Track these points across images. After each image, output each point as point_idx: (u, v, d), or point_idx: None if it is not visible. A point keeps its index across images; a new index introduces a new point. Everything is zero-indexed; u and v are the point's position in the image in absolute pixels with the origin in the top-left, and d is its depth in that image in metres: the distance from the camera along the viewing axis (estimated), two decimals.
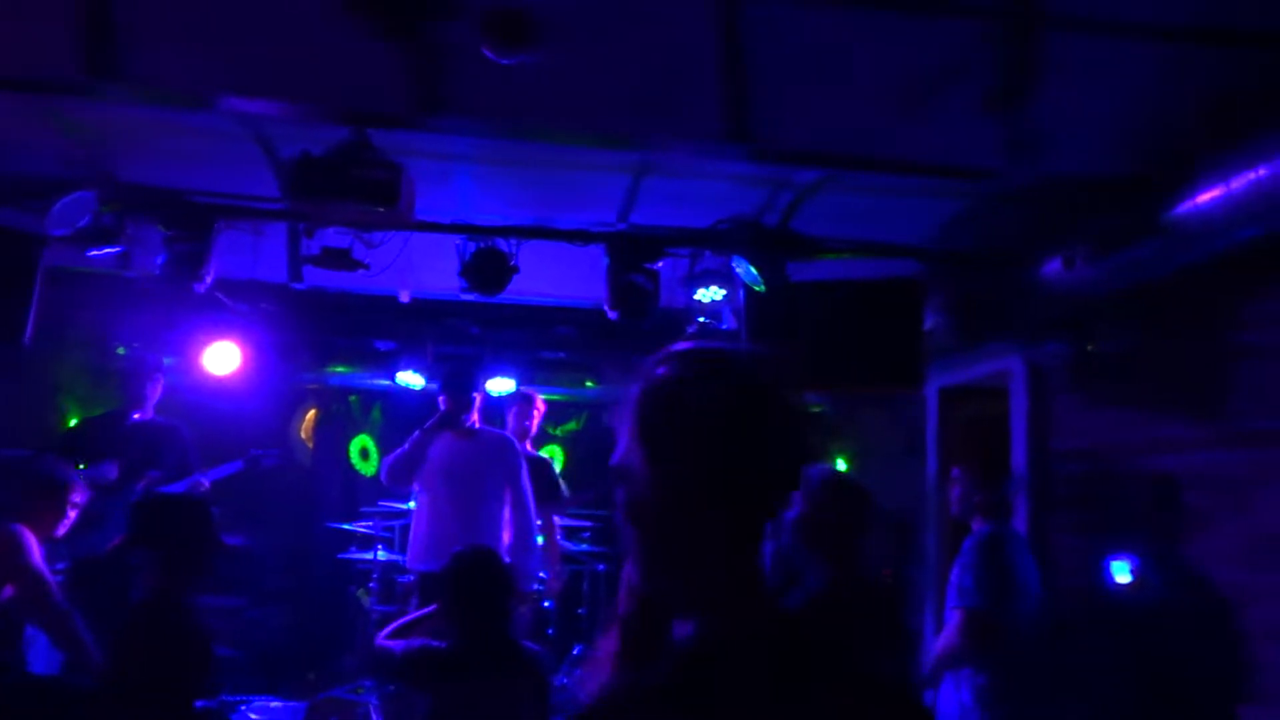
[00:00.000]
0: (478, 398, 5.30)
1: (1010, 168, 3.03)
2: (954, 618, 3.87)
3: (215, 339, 5.87)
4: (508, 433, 5.61)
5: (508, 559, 4.99)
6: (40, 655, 4.30)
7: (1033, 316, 4.29)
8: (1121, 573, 4.11)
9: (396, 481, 5.24)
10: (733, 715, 1.08)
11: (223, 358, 5.91)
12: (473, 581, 3.01)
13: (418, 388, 6.60)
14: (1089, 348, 4.13)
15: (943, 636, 3.94)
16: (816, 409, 6.98)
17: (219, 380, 5.95)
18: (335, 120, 3.25)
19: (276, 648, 6.58)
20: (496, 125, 3.04)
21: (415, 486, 5.25)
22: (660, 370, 1.17)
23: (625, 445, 1.17)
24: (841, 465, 6.97)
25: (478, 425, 5.30)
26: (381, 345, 6.76)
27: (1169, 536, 3.75)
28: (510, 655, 2.92)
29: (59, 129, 3.65)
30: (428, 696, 3.05)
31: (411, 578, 5.32)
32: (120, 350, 6.14)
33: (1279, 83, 2.77)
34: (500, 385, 6.66)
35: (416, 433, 5.15)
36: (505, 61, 2.44)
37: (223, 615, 6.22)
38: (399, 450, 5.17)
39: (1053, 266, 3.84)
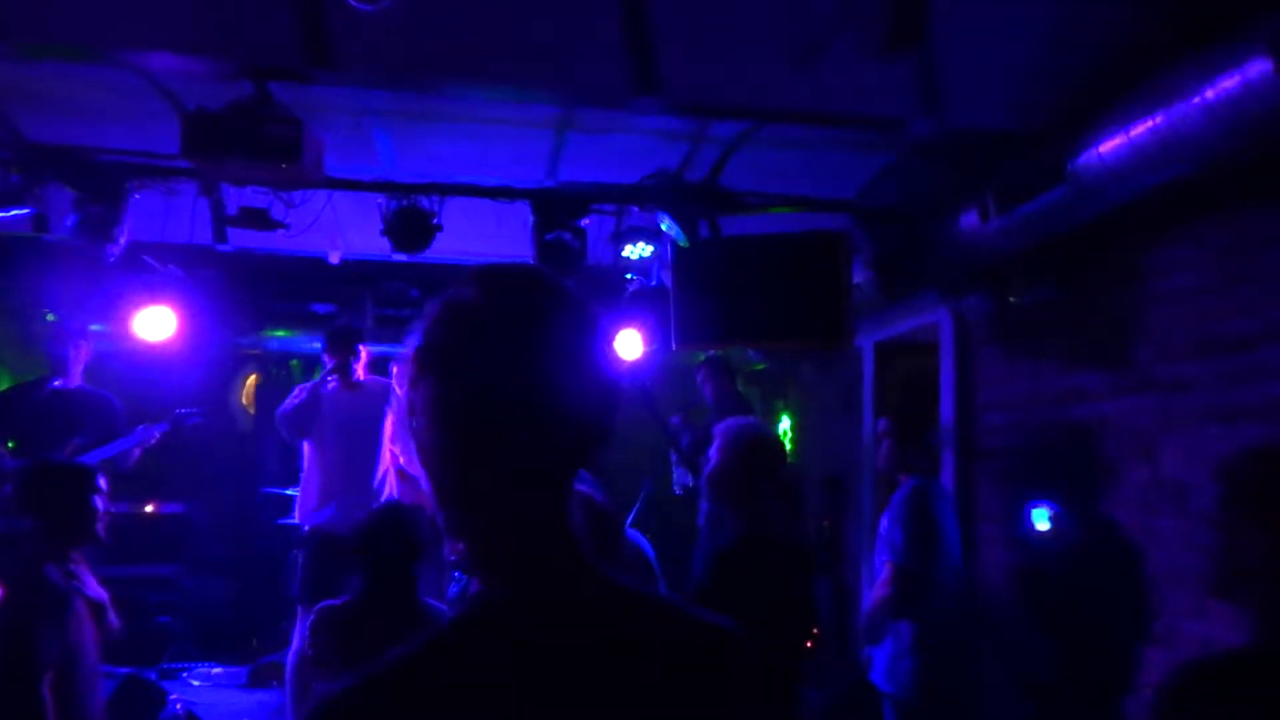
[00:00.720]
0: (362, 351, 5.33)
1: (913, 118, 3.02)
2: (884, 572, 3.92)
3: (147, 304, 5.75)
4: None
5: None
6: None
7: (953, 269, 4.31)
8: (1041, 520, 4.18)
9: (293, 433, 5.24)
10: (480, 690, 0.96)
11: (156, 323, 5.80)
12: (376, 539, 3.01)
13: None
14: (1009, 300, 4.15)
15: (874, 590, 3.99)
16: (758, 366, 7.02)
17: (154, 347, 5.84)
18: (233, 75, 3.17)
19: (217, 614, 6.55)
20: (387, 77, 2.98)
21: (305, 442, 5.27)
22: (450, 293, 1.05)
23: (409, 378, 1.04)
24: (785, 422, 7.03)
25: (363, 378, 5.36)
26: (320, 309, 6.68)
27: (1083, 484, 3.80)
28: (411, 612, 2.93)
29: None
30: (334, 652, 3.05)
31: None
32: (49, 317, 6.02)
33: (1173, 31, 2.77)
34: None
35: (307, 384, 5.21)
36: (369, 8, 2.39)
37: (162, 584, 6.19)
38: (292, 402, 5.18)
39: (969, 219, 3.85)
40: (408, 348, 1.05)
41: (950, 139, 3.34)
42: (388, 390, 5.41)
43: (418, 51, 2.79)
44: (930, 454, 4.30)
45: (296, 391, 5.23)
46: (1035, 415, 4.21)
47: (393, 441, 5.34)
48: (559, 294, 1.05)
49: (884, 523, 4.05)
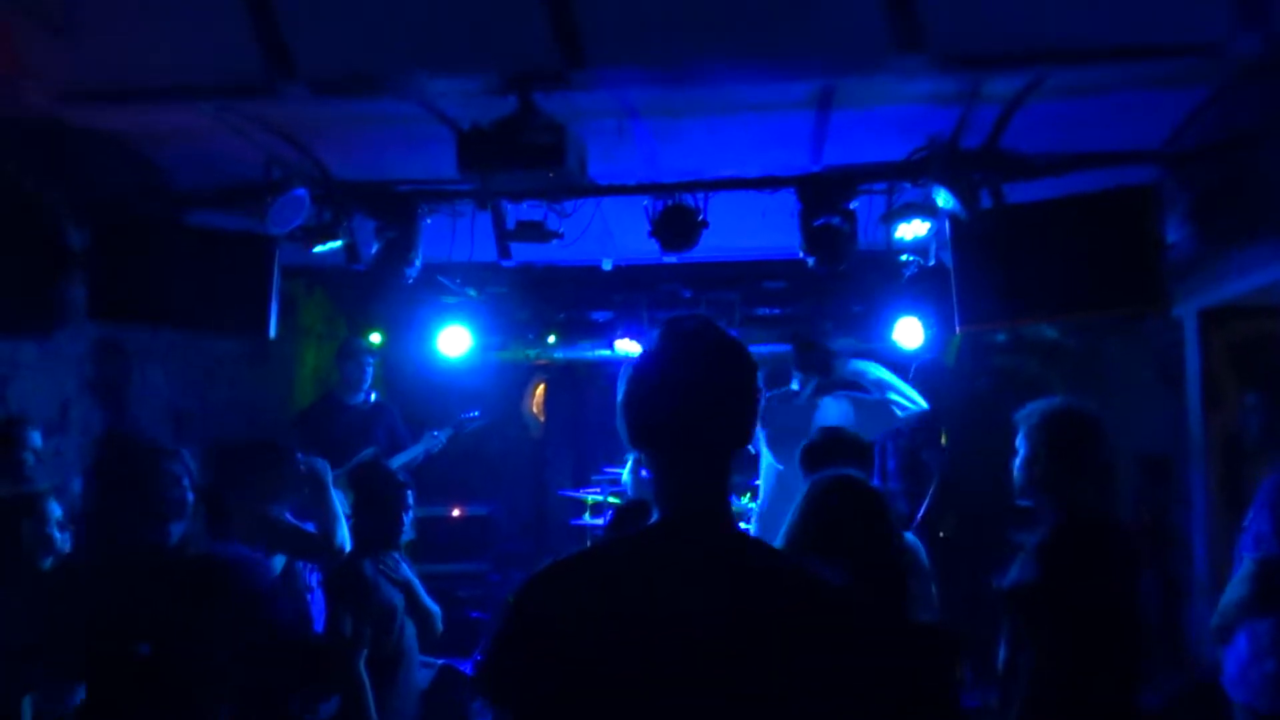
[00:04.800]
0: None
1: (1233, 35, 2.58)
2: (1246, 566, 3.42)
3: (445, 321, 6.21)
4: None
5: None
6: (319, 605, 4.71)
7: None
8: None
9: None
10: (644, 586, 1.41)
11: (455, 340, 6.25)
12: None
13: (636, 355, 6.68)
14: None
15: (1232, 585, 3.49)
16: (1050, 339, 6.42)
17: (452, 361, 6.29)
18: (499, 89, 3.30)
19: None
20: (641, 69, 2.96)
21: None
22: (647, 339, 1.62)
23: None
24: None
25: None
26: (598, 316, 6.88)
27: None
28: None
29: (269, 133, 3.95)
30: None
31: None
32: (376, 337, 6.67)
33: None
34: None
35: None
36: None
37: (472, 579, 6.64)
38: None
39: None
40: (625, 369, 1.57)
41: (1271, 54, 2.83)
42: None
43: (666, 35, 2.77)
44: None
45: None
46: None
47: None
48: (712, 338, 1.54)
49: (1251, 513, 3.51)
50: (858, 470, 2.57)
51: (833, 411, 4.95)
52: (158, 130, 3.77)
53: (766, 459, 5.03)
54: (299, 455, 3.85)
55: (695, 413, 1.48)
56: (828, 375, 4.98)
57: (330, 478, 3.82)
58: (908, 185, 4.44)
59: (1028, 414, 3.12)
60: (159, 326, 4.40)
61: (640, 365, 1.54)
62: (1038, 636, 2.77)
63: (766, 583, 1.42)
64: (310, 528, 3.68)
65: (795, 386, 5.10)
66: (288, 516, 3.71)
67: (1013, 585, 2.89)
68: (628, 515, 3.36)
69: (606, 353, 7.03)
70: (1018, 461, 3.09)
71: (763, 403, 1.58)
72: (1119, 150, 4.19)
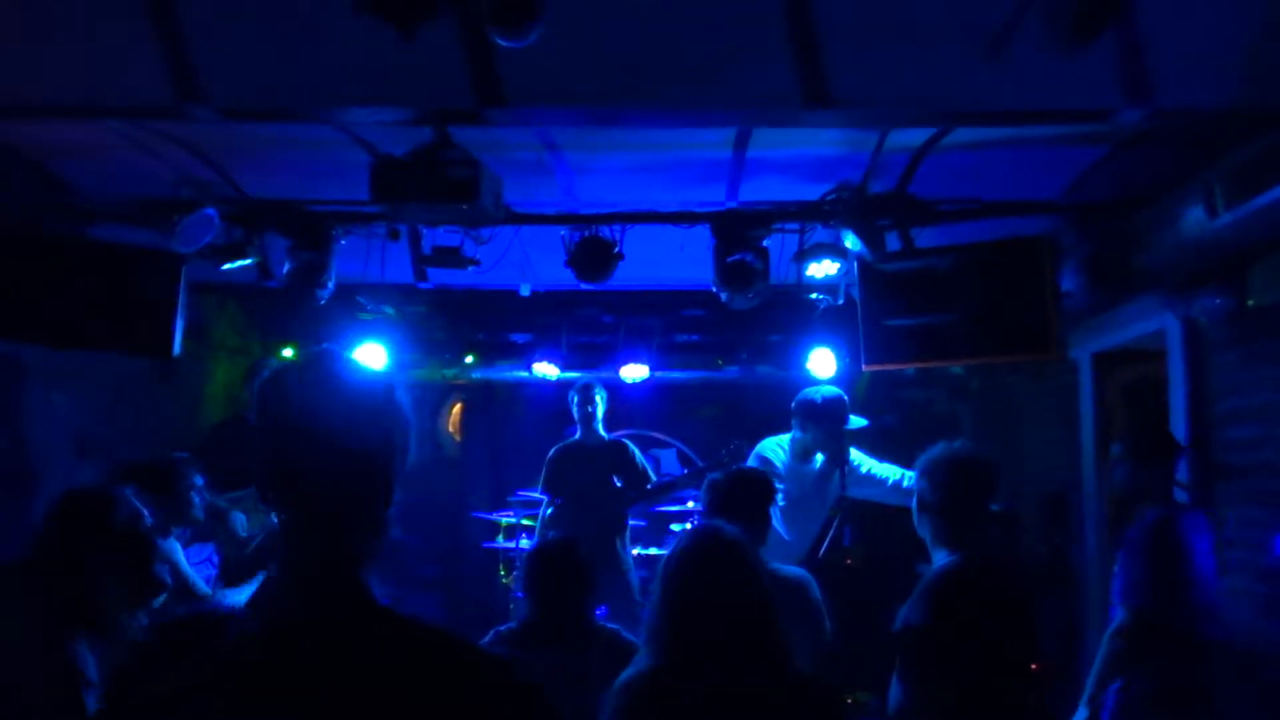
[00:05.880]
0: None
1: (1121, 106, 2.72)
2: (1116, 617, 3.55)
3: (360, 341, 6.12)
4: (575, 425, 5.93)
5: None
6: None
7: (1180, 269, 3.88)
8: None
9: None
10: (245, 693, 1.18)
11: (371, 358, 6.16)
12: (549, 565, 3.06)
13: (553, 378, 6.68)
14: (1248, 301, 3.69)
15: (1109, 639, 3.61)
16: (958, 375, 6.62)
17: None
18: (414, 121, 3.29)
19: None
20: (558, 110, 2.99)
21: None
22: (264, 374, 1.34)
23: None
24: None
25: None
26: (518, 338, 6.87)
27: None
28: (581, 630, 2.95)
29: (180, 150, 3.87)
30: None
31: None
32: (289, 353, 6.52)
33: None
34: (633, 372, 6.66)
35: None
36: (519, 45, 2.39)
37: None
38: None
39: (1194, 214, 3.46)
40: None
41: (1167, 124, 2.99)
42: None
43: (586, 81, 2.80)
44: (1178, 480, 3.83)
45: None
46: None
47: None
48: (322, 390, 1.29)
49: (1119, 561, 3.65)
50: (747, 521, 2.59)
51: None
52: (63, 144, 3.66)
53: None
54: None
55: (319, 462, 1.27)
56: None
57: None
58: (819, 225, 4.55)
59: (924, 458, 3.20)
60: (56, 347, 4.24)
61: (264, 405, 1.31)
62: (925, 678, 2.85)
63: (426, 668, 1.25)
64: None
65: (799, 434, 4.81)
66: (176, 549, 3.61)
67: (901, 626, 2.97)
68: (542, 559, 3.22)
69: (525, 374, 7.03)
70: (913, 502, 3.17)
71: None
72: (1020, 200, 4.36)
